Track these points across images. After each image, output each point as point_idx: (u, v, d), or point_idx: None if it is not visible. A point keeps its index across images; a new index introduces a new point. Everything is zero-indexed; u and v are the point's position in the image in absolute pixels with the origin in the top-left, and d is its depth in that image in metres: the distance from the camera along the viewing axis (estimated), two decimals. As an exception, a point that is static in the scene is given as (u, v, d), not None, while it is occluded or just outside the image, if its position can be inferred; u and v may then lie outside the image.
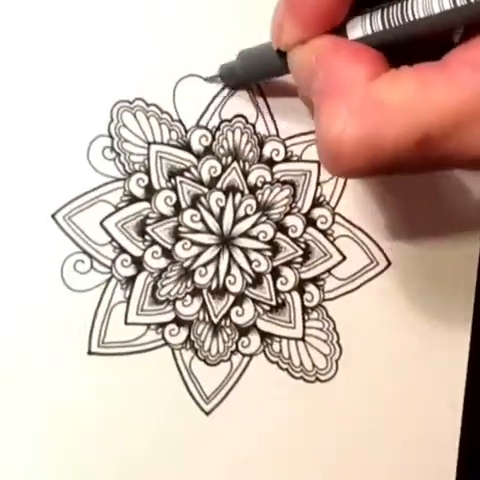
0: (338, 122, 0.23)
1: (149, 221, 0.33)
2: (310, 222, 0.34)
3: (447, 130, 0.22)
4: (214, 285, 0.34)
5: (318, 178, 0.34)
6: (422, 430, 0.36)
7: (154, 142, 0.33)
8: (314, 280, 0.35)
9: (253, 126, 0.34)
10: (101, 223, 0.32)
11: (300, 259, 0.34)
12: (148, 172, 0.33)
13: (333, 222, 0.35)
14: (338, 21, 0.25)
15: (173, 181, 0.33)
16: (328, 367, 0.35)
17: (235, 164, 0.34)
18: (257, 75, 0.32)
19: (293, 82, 0.28)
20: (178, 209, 0.33)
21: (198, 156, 0.33)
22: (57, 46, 0.32)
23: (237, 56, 0.31)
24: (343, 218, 0.35)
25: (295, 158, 0.34)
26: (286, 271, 0.34)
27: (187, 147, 0.33)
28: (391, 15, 0.24)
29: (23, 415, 0.32)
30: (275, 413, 0.34)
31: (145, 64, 0.33)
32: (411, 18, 0.23)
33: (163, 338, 0.33)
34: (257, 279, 0.34)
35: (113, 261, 0.33)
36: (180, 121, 0.33)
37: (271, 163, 0.34)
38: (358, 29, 0.25)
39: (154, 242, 0.33)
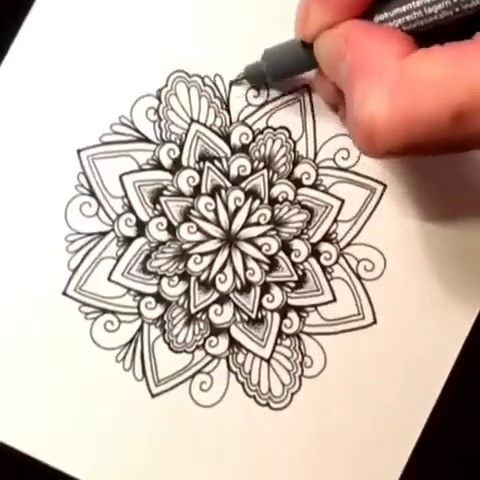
0: (371, 101, 0.23)
1: (166, 192, 0.33)
2: (315, 254, 0.34)
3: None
4: (203, 277, 0.33)
5: (337, 215, 0.34)
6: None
7: (198, 121, 0.33)
8: (299, 309, 0.34)
9: (294, 143, 0.34)
10: (120, 177, 0.32)
11: (293, 285, 0.34)
12: (182, 146, 0.33)
13: (336, 262, 0.34)
14: (366, 6, 0.25)
15: (201, 164, 0.33)
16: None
17: (265, 171, 0.34)
18: (283, 72, 0.32)
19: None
20: (197, 192, 0.33)
21: (233, 150, 0.34)
22: None
23: (261, 56, 0.31)
24: (347, 262, 0.35)
25: (322, 188, 0.34)
26: (275, 290, 0.34)
27: (226, 138, 0.33)
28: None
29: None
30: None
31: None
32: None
33: (138, 308, 0.32)
34: (246, 288, 0.34)
35: (118, 217, 0.32)
36: (228, 111, 0.33)
37: (298, 184, 0.34)
38: (384, 14, 0.26)
39: (162, 214, 0.33)
